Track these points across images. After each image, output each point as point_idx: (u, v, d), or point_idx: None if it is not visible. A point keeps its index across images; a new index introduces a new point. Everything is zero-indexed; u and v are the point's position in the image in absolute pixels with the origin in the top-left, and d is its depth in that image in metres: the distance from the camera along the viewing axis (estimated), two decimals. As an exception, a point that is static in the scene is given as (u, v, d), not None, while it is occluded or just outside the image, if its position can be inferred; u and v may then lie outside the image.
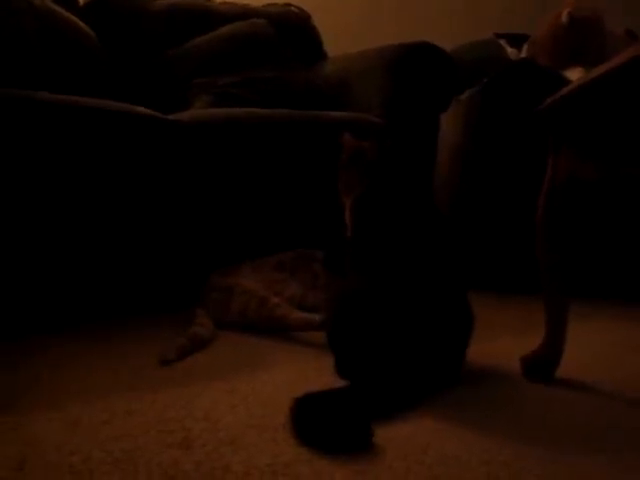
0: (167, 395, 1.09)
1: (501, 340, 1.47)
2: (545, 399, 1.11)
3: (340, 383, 1.10)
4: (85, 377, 1.17)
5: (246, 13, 2.54)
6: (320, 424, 0.93)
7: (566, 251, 1.17)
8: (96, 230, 1.57)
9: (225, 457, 0.86)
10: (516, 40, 2.72)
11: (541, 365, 1.20)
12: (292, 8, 2.72)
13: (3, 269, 1.46)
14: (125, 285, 1.64)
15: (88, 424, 0.96)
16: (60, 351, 1.33)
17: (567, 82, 2.01)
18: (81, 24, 2.13)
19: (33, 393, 1.09)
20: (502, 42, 2.75)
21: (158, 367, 1.25)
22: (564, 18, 2.30)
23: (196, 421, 0.98)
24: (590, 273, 1.91)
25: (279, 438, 0.93)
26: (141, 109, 1.68)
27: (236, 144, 1.75)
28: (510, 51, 2.66)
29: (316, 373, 1.22)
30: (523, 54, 2.58)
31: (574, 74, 2.08)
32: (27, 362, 1.25)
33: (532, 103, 1.95)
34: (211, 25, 2.41)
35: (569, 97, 1.08)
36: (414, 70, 2.07)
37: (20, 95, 1.47)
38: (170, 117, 1.71)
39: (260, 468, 0.83)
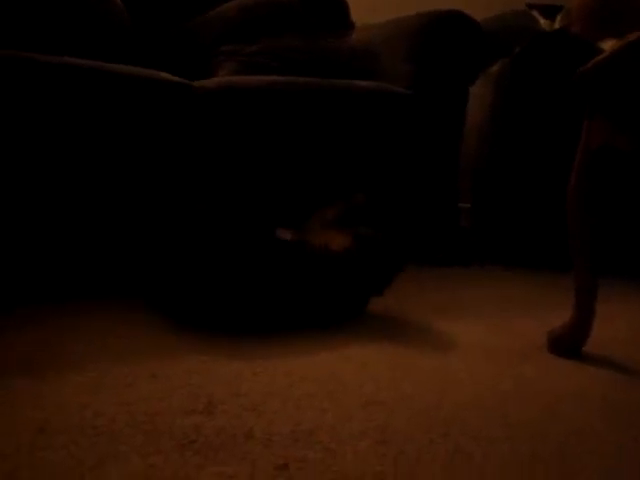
0: (190, 362, 1.08)
1: (529, 316, 1.45)
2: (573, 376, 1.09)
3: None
4: (107, 342, 1.17)
5: (273, -19, 2.49)
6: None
7: (598, 223, 1.14)
8: (121, 197, 1.57)
9: (247, 423, 0.86)
10: (550, 11, 2.64)
11: (568, 340, 1.17)
12: (319, -24, 2.67)
13: (20, 234, 1.46)
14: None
15: (111, 386, 0.97)
16: (78, 316, 1.32)
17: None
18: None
19: (54, 357, 1.08)
20: (535, 13, 2.68)
21: (181, 334, 1.24)
22: (600, -13, 2.23)
23: (219, 387, 0.98)
24: (620, 249, 1.87)
25: (302, 406, 0.92)
26: (166, 75, 1.66)
27: (263, 112, 1.73)
28: (543, 22, 2.59)
29: (340, 343, 1.21)
30: (557, 25, 2.51)
31: (609, 46, 2.02)
32: (46, 327, 1.25)
33: (565, 74, 1.90)
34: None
35: (605, 63, 1.04)
36: (442, 40, 2.01)
37: (43, 59, 1.46)
38: (195, 83, 1.69)
39: (282, 435, 0.83)
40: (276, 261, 1.30)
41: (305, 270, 1.30)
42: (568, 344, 1.17)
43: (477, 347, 1.23)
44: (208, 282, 1.27)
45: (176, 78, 1.67)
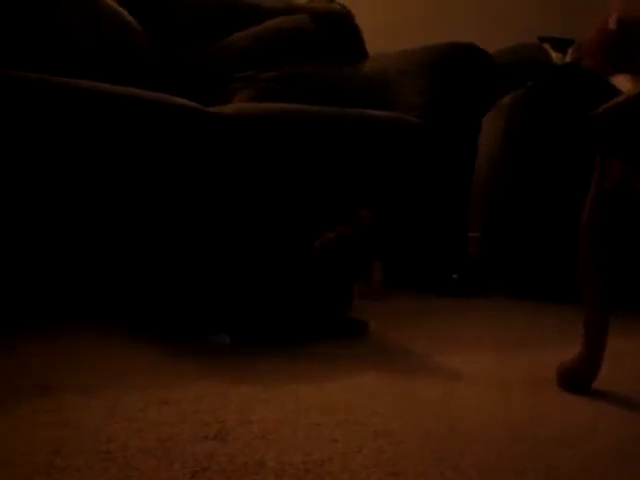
0: (199, 386, 1.09)
1: (535, 349, 1.45)
2: (583, 412, 1.09)
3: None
4: (120, 363, 1.19)
5: (289, 9, 2.54)
6: None
7: (610, 259, 1.15)
8: (134, 220, 1.59)
9: (259, 452, 0.86)
10: (561, 44, 2.68)
11: (578, 375, 1.17)
12: (335, 5, 2.72)
13: (40, 249, 1.48)
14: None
15: (124, 411, 0.97)
16: (93, 336, 1.34)
17: (614, 89, 1.97)
18: (127, 15, 2.16)
19: (70, 377, 1.10)
20: (546, 46, 2.71)
21: (192, 357, 1.25)
22: (611, 22, 2.26)
23: (230, 414, 0.98)
24: (633, 285, 1.87)
25: (313, 435, 0.93)
26: (182, 100, 1.69)
27: (278, 139, 1.75)
28: (554, 55, 2.62)
29: (345, 370, 1.22)
30: (568, 59, 2.54)
31: (620, 81, 2.04)
32: (63, 346, 1.27)
33: (577, 109, 1.92)
34: (254, 20, 2.42)
35: (623, 107, 1.06)
36: (456, 71, 2.05)
37: (61, 82, 1.50)
38: (212, 109, 1.72)
39: (294, 465, 0.83)
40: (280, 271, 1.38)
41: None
42: (578, 379, 1.17)
43: (483, 378, 1.23)
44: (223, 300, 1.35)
45: (192, 104, 1.70)
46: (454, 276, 2.02)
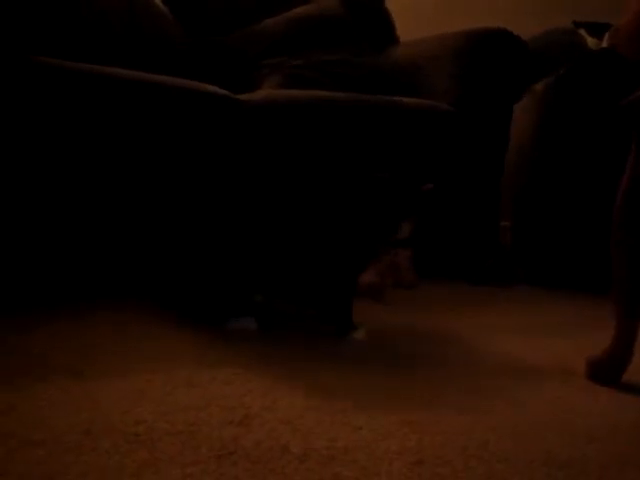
0: (225, 371, 1.10)
1: (563, 339, 1.44)
2: (611, 404, 1.08)
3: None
4: (149, 347, 1.21)
5: (319, -6, 2.52)
6: None
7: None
8: (162, 203, 1.60)
9: (283, 437, 0.87)
10: (597, 29, 2.62)
11: (608, 367, 1.16)
12: (365, -10, 2.69)
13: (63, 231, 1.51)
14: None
15: (152, 394, 0.99)
16: (123, 321, 1.35)
17: (650, 75, 1.92)
18: (159, 3, 2.17)
19: (100, 361, 1.12)
20: (582, 31, 2.65)
21: (219, 342, 1.27)
22: (650, 7, 2.19)
23: (255, 399, 0.99)
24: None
25: (337, 422, 0.93)
26: (212, 88, 1.69)
27: (307, 126, 1.75)
28: (590, 40, 2.57)
29: (374, 355, 1.22)
30: (604, 44, 2.48)
31: (658, 67, 1.99)
32: (92, 330, 1.28)
33: (611, 95, 1.88)
34: (283, 5, 2.41)
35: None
36: (488, 57, 2.01)
37: (94, 70, 1.51)
38: (241, 97, 1.72)
39: (318, 451, 0.84)
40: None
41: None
42: (607, 371, 1.16)
43: (511, 369, 1.23)
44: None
45: (222, 91, 1.70)
46: (487, 263, 2.00)
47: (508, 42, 2.03)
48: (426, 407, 1.02)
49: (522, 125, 2.19)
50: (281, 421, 0.92)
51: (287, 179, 1.59)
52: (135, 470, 0.77)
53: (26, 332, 1.22)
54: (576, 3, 3.09)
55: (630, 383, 1.15)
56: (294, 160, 1.72)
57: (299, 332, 1.39)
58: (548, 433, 0.95)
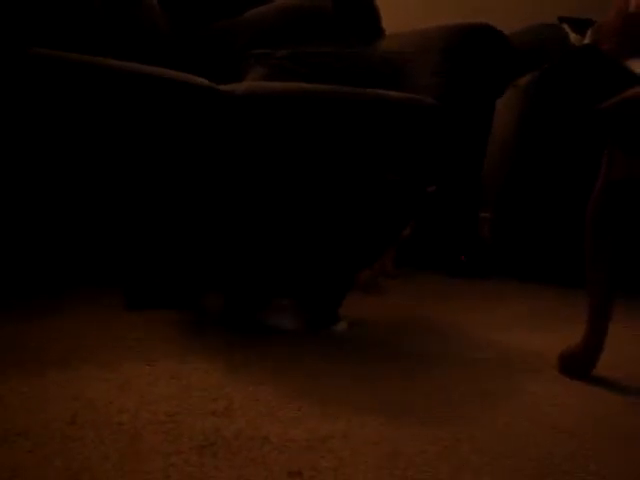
0: (208, 363, 1.13)
1: (538, 331, 1.47)
2: (583, 398, 1.11)
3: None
4: (129, 339, 1.23)
5: (306, -15, 2.52)
6: None
7: (615, 246, 1.16)
8: (146, 195, 1.61)
9: (264, 428, 0.90)
10: (580, 25, 2.65)
11: (579, 361, 1.20)
12: (352, -18, 2.69)
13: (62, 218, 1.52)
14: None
15: (135, 385, 1.01)
16: (106, 311, 1.38)
17: (630, 73, 1.96)
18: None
19: (85, 354, 1.14)
20: (565, 27, 2.68)
21: (204, 336, 1.29)
22: (632, 5, 2.23)
23: (237, 391, 1.02)
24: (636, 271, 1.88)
25: (316, 413, 0.96)
26: (195, 78, 1.69)
27: (289, 119, 1.76)
28: (573, 36, 2.60)
29: (353, 346, 1.25)
30: (587, 40, 2.51)
31: (637, 66, 2.03)
32: (77, 323, 1.30)
33: (592, 92, 1.91)
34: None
35: (631, 102, 1.06)
36: (471, 53, 2.03)
37: (79, 60, 1.51)
38: (223, 88, 1.72)
39: (297, 441, 0.86)
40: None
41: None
42: (579, 365, 1.19)
43: (485, 361, 1.26)
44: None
45: (204, 81, 1.70)
46: (462, 257, 2.04)
47: (491, 38, 2.05)
48: (402, 398, 1.05)
49: (505, 119, 2.22)
50: (261, 412, 0.95)
51: (283, 173, 1.61)
52: (118, 459, 0.79)
53: (10, 325, 1.23)
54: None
55: (600, 377, 1.19)
56: (276, 152, 1.74)
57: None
58: (519, 426, 0.98)
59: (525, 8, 3.07)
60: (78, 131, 1.50)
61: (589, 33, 2.53)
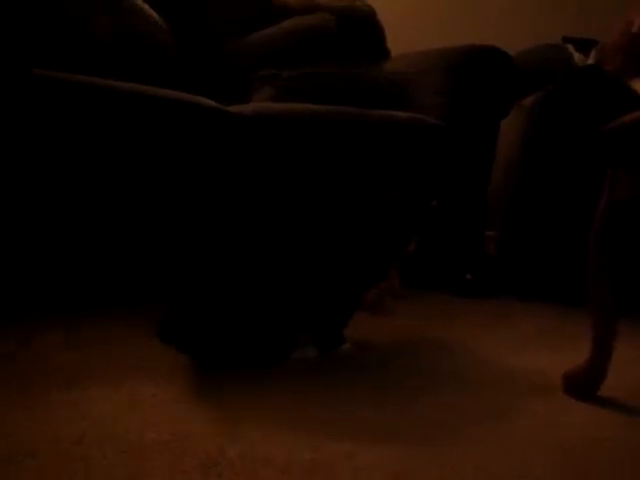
0: (214, 386, 1.13)
1: (545, 352, 1.47)
2: (588, 418, 1.11)
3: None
4: (134, 357, 1.23)
5: (311, 7, 2.56)
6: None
7: (619, 269, 1.17)
8: (157, 217, 1.63)
9: (268, 449, 0.90)
10: (584, 45, 2.67)
11: (584, 382, 1.20)
12: (357, 3, 2.73)
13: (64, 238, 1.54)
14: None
15: (141, 404, 1.02)
16: (109, 331, 1.38)
17: (634, 94, 1.97)
18: (153, 13, 2.19)
19: (91, 373, 1.14)
20: (569, 47, 2.70)
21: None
22: (635, 26, 2.25)
23: (242, 411, 1.02)
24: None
25: (320, 434, 0.96)
26: (204, 100, 1.72)
27: (296, 140, 1.78)
28: (577, 56, 2.61)
29: (362, 368, 1.25)
30: (591, 60, 2.53)
31: (641, 86, 2.04)
32: (83, 343, 1.31)
33: (596, 113, 1.93)
34: (277, 17, 2.44)
35: (633, 125, 1.07)
36: (477, 74, 2.06)
37: (87, 82, 1.53)
38: (231, 109, 1.75)
39: (301, 463, 0.87)
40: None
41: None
42: (583, 386, 1.19)
43: (490, 381, 1.26)
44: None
45: (213, 103, 1.73)
46: (467, 277, 2.04)
47: (496, 59, 2.07)
48: (407, 419, 1.05)
49: (510, 138, 2.24)
50: (266, 433, 0.95)
51: (285, 192, 1.61)
52: (125, 478, 0.80)
53: (19, 344, 1.24)
54: (564, 19, 3.14)
55: (605, 397, 1.19)
56: (284, 172, 1.76)
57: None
58: (523, 446, 0.98)
59: (530, 28, 3.09)
60: (89, 154, 1.53)
61: (593, 53, 2.55)
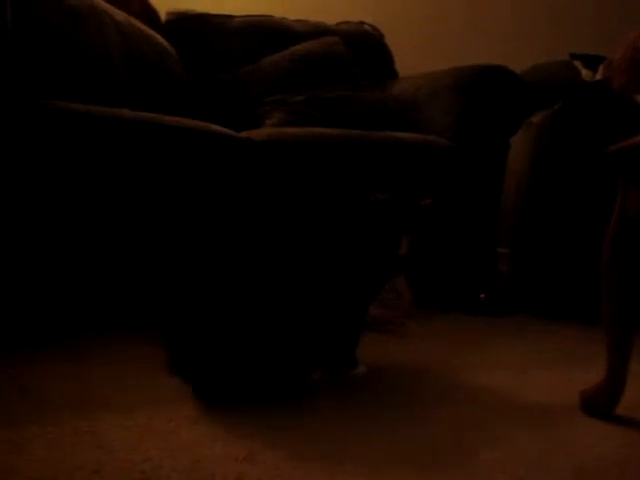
0: (228, 410, 1.13)
1: (560, 371, 1.46)
2: (604, 437, 1.10)
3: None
4: (148, 386, 1.23)
5: (320, 31, 2.60)
6: None
7: (632, 285, 1.16)
8: (167, 243, 1.65)
9: (286, 473, 0.90)
10: (592, 61, 2.67)
11: (601, 401, 1.19)
12: (365, 26, 2.76)
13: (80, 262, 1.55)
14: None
15: (156, 431, 1.02)
16: (122, 359, 1.38)
17: (641, 109, 1.97)
18: (161, 40, 2.24)
19: (103, 400, 1.14)
20: (577, 63, 2.71)
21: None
22: (640, 41, 2.25)
23: (257, 436, 1.02)
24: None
25: (337, 457, 0.96)
26: (214, 127, 1.75)
27: (308, 164, 1.80)
28: (585, 73, 2.62)
29: (370, 392, 1.25)
30: (598, 76, 2.54)
31: (651, 101, 2.04)
32: (92, 369, 1.31)
33: (604, 129, 1.93)
34: (285, 42, 2.48)
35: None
36: (485, 94, 2.07)
37: (97, 112, 1.56)
38: (242, 135, 1.77)
39: (318, 487, 0.87)
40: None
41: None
42: (600, 404, 1.18)
43: (504, 404, 1.25)
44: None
45: (225, 130, 1.75)
46: (481, 296, 2.04)
47: (505, 78, 2.09)
48: (419, 442, 1.05)
49: (519, 155, 2.24)
50: (283, 457, 0.95)
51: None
52: (143, 508, 0.80)
53: (29, 374, 1.24)
54: (571, 36, 3.16)
55: (622, 416, 1.18)
56: (296, 197, 1.77)
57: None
58: (539, 468, 0.97)
59: (536, 46, 3.12)
60: (99, 183, 1.55)
61: (601, 69, 2.56)
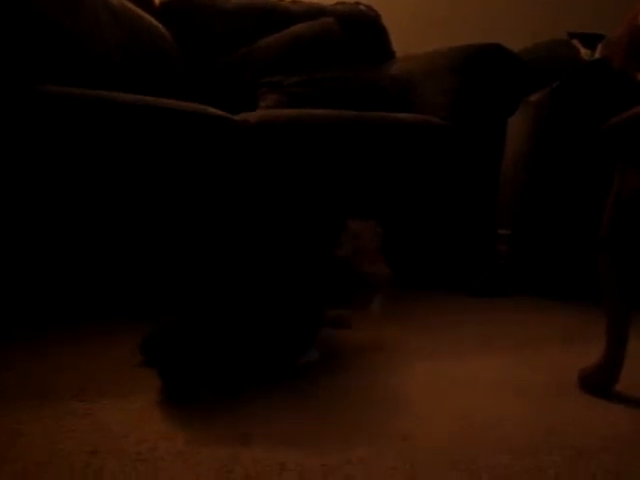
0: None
1: (559, 350, 1.46)
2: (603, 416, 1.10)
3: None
4: (148, 370, 1.20)
5: (315, 12, 2.57)
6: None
7: (630, 264, 1.16)
8: (163, 227, 1.64)
9: (281, 455, 0.90)
10: (591, 40, 2.65)
11: (599, 379, 1.19)
12: (361, 7, 2.73)
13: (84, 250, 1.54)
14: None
15: (153, 415, 1.02)
16: (116, 342, 1.37)
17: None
18: (156, 23, 2.21)
19: (101, 386, 1.14)
20: (575, 42, 2.69)
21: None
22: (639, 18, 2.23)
23: (254, 417, 1.02)
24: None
25: (331, 438, 0.96)
26: (211, 109, 1.73)
27: (302, 146, 1.79)
28: (583, 52, 2.60)
29: (366, 368, 1.25)
30: (597, 55, 2.52)
31: (649, 79, 2.02)
32: (94, 350, 1.32)
33: (602, 108, 1.91)
34: (281, 24, 2.45)
35: (637, 119, 1.06)
36: (482, 73, 2.05)
37: (93, 95, 1.55)
38: (237, 117, 1.76)
39: (314, 468, 0.87)
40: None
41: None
42: (599, 383, 1.18)
43: (506, 383, 1.24)
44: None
45: (219, 112, 1.73)
46: (485, 274, 2.03)
47: (502, 57, 2.07)
48: (419, 423, 1.05)
49: (517, 135, 2.23)
50: (278, 440, 0.95)
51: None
52: (138, 489, 0.80)
53: (29, 362, 1.24)
54: (569, 14, 3.13)
55: (621, 394, 1.17)
56: (291, 179, 1.76)
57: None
58: (539, 445, 0.97)
59: (535, 24, 3.09)
60: (94, 167, 1.54)
61: (599, 48, 2.53)
